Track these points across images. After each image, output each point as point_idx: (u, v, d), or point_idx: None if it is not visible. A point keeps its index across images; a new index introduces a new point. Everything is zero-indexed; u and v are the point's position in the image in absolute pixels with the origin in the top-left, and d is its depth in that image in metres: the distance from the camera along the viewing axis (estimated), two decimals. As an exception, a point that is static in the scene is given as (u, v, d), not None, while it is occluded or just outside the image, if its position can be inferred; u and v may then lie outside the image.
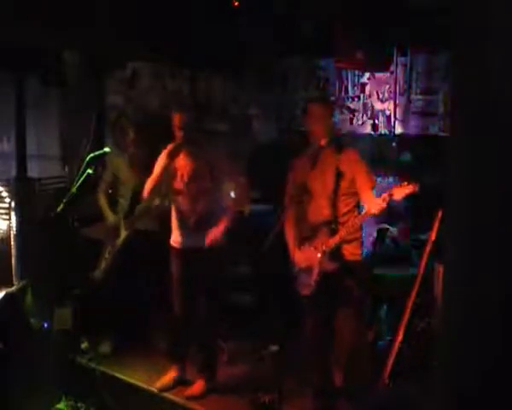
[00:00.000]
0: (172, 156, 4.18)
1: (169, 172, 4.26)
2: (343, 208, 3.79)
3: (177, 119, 4.16)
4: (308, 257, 3.84)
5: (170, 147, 4.22)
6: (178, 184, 4.25)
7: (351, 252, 3.83)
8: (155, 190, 4.29)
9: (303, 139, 5.48)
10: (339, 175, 3.78)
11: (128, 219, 4.98)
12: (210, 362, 4.39)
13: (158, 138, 4.77)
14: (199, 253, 4.20)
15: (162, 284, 4.62)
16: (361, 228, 3.95)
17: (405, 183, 3.52)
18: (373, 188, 3.80)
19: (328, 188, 3.81)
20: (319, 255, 3.75)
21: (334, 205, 3.78)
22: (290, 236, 4.01)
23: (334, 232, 3.73)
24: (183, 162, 4.25)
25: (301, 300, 3.92)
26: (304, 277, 3.85)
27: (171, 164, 4.23)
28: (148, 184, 4.29)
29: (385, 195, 3.53)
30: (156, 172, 4.25)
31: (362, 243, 3.99)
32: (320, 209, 3.84)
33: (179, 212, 4.28)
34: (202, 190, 4.20)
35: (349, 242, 3.80)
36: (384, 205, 3.52)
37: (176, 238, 4.33)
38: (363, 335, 3.91)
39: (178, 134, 4.16)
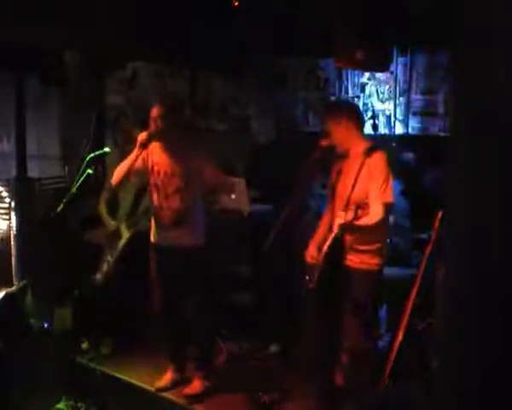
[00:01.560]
0: (144, 146, 4.11)
1: (146, 166, 4.27)
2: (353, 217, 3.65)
3: (153, 111, 4.14)
4: (318, 255, 3.84)
5: (141, 136, 4.12)
6: (154, 179, 4.26)
7: (362, 260, 3.74)
8: (124, 176, 4.26)
9: (303, 139, 5.51)
10: (354, 183, 3.70)
11: (130, 220, 4.99)
12: (206, 360, 4.39)
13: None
14: (175, 251, 4.18)
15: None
16: (381, 240, 3.80)
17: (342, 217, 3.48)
18: (385, 204, 3.58)
19: (345, 193, 3.76)
20: (322, 255, 3.76)
21: (345, 211, 3.69)
22: (317, 233, 4.01)
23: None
24: (158, 157, 4.24)
25: (305, 295, 3.92)
26: (310, 272, 3.85)
27: (145, 155, 4.22)
28: (118, 169, 4.26)
29: (341, 213, 3.51)
30: (128, 159, 4.20)
31: (382, 254, 3.81)
32: (337, 212, 3.81)
33: (155, 208, 4.28)
34: (176, 187, 4.18)
35: (361, 252, 3.73)
36: (338, 226, 3.48)
37: (153, 234, 4.33)
38: (368, 338, 3.88)
39: (152, 126, 4.13)
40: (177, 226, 4.18)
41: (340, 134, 3.80)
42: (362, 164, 3.71)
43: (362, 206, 3.60)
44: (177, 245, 4.18)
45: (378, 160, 3.72)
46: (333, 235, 3.65)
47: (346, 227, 3.55)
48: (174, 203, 4.19)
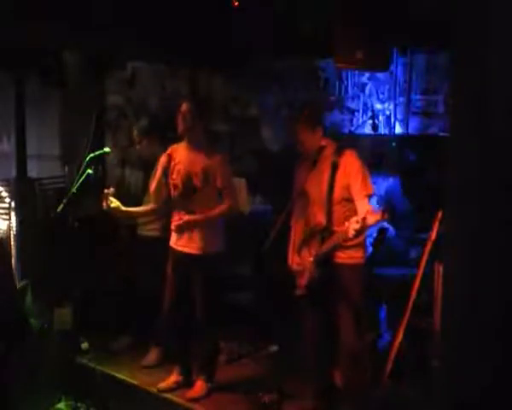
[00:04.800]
0: (172, 154, 4.24)
1: (169, 169, 4.30)
2: (337, 216, 3.69)
3: (183, 106, 4.18)
4: (302, 260, 3.84)
5: (171, 148, 4.28)
6: (174, 179, 4.27)
7: (349, 255, 3.76)
8: (158, 189, 4.31)
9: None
10: (332, 181, 3.72)
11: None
12: (209, 362, 4.39)
13: (160, 137, 4.81)
14: (188, 255, 4.20)
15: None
16: (362, 234, 3.81)
17: (380, 210, 3.41)
18: (368, 196, 3.67)
19: (323, 194, 3.76)
20: (311, 260, 3.75)
21: (327, 212, 3.72)
22: (292, 237, 4.01)
23: (324, 240, 3.71)
24: (180, 156, 4.27)
25: (298, 300, 3.92)
26: (299, 278, 3.86)
27: (172, 161, 4.28)
28: (152, 184, 4.34)
29: (358, 218, 3.40)
30: (158, 173, 4.31)
31: (364, 246, 3.90)
32: (315, 214, 3.82)
33: (175, 209, 4.28)
34: (194, 187, 4.19)
35: (347, 248, 3.72)
36: (357, 227, 3.38)
37: (172, 238, 4.33)
38: (363, 336, 3.88)
39: (180, 122, 4.17)
40: (193, 228, 4.18)
41: (308, 137, 3.79)
42: (335, 164, 3.73)
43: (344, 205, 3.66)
44: (189, 249, 4.20)
45: (351, 157, 3.76)
46: (338, 238, 3.60)
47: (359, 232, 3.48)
48: (190, 204, 4.19)
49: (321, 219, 3.76)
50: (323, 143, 3.84)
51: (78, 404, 4.70)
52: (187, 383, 4.40)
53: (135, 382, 4.57)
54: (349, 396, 3.83)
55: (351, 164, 3.73)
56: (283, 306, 4.97)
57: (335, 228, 3.68)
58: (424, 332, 4.16)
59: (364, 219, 3.39)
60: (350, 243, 3.69)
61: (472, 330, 2.13)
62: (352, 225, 3.42)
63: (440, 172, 4.63)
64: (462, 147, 2.15)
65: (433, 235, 3.93)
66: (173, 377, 4.42)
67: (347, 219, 3.51)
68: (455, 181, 2.18)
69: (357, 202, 3.65)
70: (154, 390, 4.40)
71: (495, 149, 2.04)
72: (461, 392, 2.17)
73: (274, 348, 4.97)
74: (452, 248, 2.20)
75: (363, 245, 3.85)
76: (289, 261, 3.98)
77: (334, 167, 3.72)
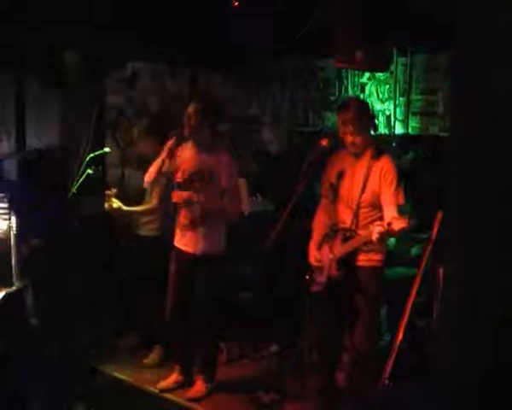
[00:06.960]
0: (171, 152, 4.18)
1: (173, 165, 4.28)
2: (363, 220, 3.70)
3: (190, 108, 4.17)
4: (322, 257, 3.83)
5: (169, 143, 4.20)
6: (180, 177, 4.27)
7: (368, 258, 3.76)
8: (155, 177, 4.27)
9: (303, 140, 5.47)
10: (365, 184, 3.71)
11: None
12: (209, 362, 4.39)
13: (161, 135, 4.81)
14: (189, 255, 4.22)
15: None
16: (384, 240, 3.82)
17: (405, 216, 3.41)
18: (397, 206, 3.63)
19: (352, 195, 3.76)
20: (331, 257, 3.75)
21: (355, 214, 3.73)
22: (314, 232, 3.99)
23: (346, 241, 3.71)
24: (185, 155, 4.26)
25: (310, 296, 3.91)
26: (316, 274, 3.85)
27: (175, 156, 4.25)
28: (150, 170, 4.27)
29: (383, 222, 3.40)
30: (156, 162, 4.24)
31: (383, 250, 3.86)
32: (341, 213, 3.82)
33: (179, 208, 4.28)
34: (195, 187, 4.19)
35: (366, 251, 3.73)
36: (379, 234, 3.37)
37: (176, 237, 4.33)
38: (372, 339, 3.88)
39: (186, 123, 4.16)
40: (192, 227, 4.18)
41: (363, 134, 3.78)
42: (370, 167, 3.72)
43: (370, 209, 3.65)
44: (193, 249, 4.21)
45: (388, 163, 3.75)
46: (360, 240, 3.60)
47: (384, 236, 3.45)
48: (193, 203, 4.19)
49: (346, 218, 3.76)
50: (369, 141, 3.82)
51: (79, 404, 4.70)
52: (187, 382, 4.41)
53: (135, 382, 4.57)
54: (349, 396, 3.83)
55: (386, 170, 3.71)
56: (284, 306, 4.97)
57: (359, 231, 3.68)
58: (424, 332, 4.15)
59: (390, 224, 3.37)
60: (369, 247, 3.69)
61: (472, 331, 2.13)
62: (377, 228, 3.40)
63: (440, 172, 4.63)
64: (462, 147, 2.14)
65: (434, 235, 3.93)
66: (174, 377, 4.43)
67: (372, 223, 3.51)
68: (455, 181, 2.18)
69: (386, 208, 3.62)
70: (155, 390, 4.41)
71: (495, 149, 2.04)
72: (461, 391, 2.18)
73: (274, 348, 4.97)
74: (453, 248, 2.20)
75: (381, 249, 3.82)
76: (309, 256, 3.96)
77: (369, 171, 3.72)
